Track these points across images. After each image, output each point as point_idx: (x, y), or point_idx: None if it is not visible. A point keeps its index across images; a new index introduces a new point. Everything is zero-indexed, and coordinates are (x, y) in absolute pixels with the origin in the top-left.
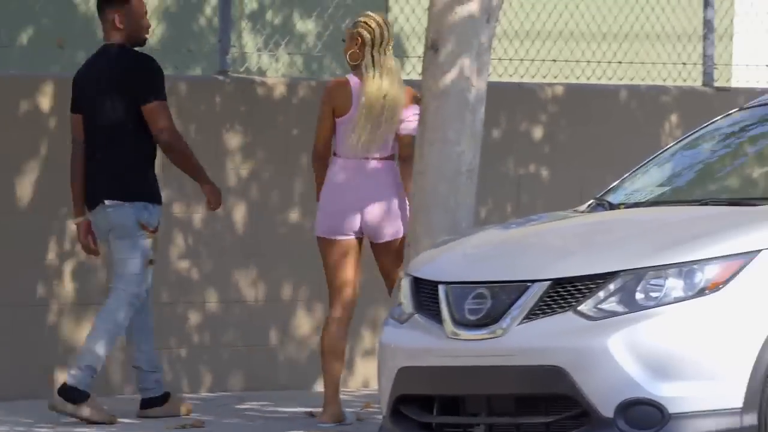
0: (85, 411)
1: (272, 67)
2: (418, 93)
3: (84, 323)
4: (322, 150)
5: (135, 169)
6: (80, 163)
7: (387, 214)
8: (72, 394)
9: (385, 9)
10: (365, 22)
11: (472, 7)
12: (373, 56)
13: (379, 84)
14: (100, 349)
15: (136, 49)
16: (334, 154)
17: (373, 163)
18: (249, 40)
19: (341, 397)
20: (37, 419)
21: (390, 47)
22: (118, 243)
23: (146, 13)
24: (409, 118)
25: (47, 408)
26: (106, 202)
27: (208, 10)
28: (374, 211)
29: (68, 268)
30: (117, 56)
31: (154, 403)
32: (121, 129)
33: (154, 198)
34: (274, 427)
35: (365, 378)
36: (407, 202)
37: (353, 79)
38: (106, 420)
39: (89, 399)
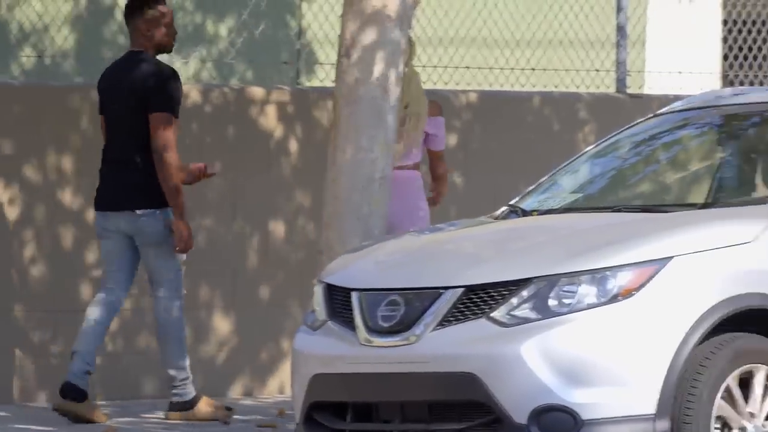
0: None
1: (184, 73)
2: (441, 105)
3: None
4: None
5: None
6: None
7: (408, 221)
8: (181, 406)
9: (299, 15)
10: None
11: (385, 14)
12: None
13: (401, 96)
14: (181, 360)
15: (159, 57)
16: None
17: (397, 172)
18: None
19: (255, 403)
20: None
21: (411, 63)
22: (152, 250)
23: (173, 22)
24: (438, 133)
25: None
26: (138, 211)
27: (119, 16)
28: (395, 218)
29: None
30: (139, 63)
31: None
32: (141, 136)
33: None
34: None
35: (280, 384)
36: (428, 211)
37: None
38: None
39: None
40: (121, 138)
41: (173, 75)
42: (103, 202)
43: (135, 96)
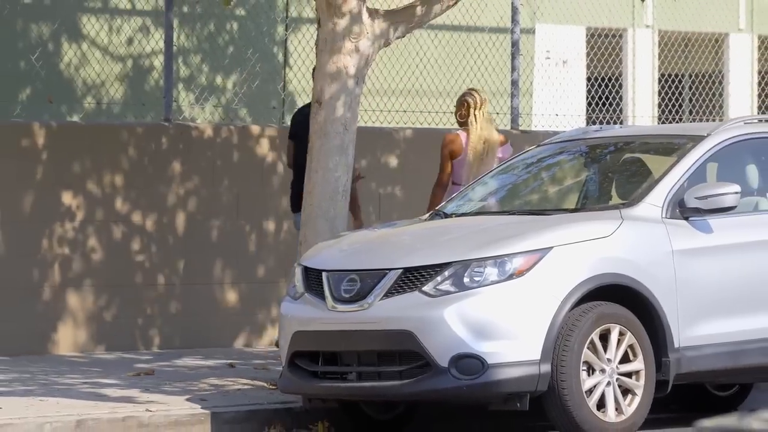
0: None
1: (201, 116)
2: (507, 138)
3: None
4: (445, 180)
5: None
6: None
7: None
8: None
9: (283, 74)
10: (471, 92)
11: (346, 73)
12: (475, 115)
13: (480, 133)
14: None
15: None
16: (453, 183)
17: None
18: (184, 96)
19: (254, 350)
20: None
21: (486, 108)
22: None
23: None
24: (505, 157)
25: None
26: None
27: (155, 74)
28: None
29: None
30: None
31: None
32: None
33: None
34: (203, 373)
35: (272, 339)
36: None
37: (462, 134)
38: None
39: None
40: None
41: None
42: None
43: None
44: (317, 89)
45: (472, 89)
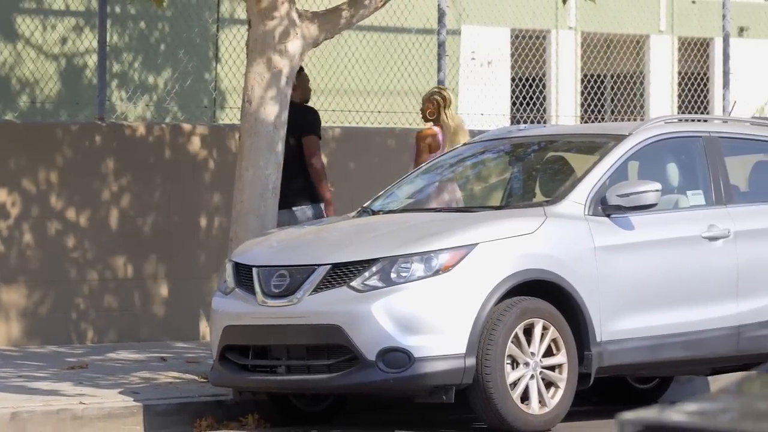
0: None
1: (134, 114)
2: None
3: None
4: None
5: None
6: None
7: None
8: None
9: (215, 74)
10: (440, 91)
11: (276, 73)
12: (446, 113)
13: (454, 129)
14: None
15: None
16: None
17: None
18: (117, 94)
19: (186, 345)
20: None
21: (452, 105)
22: None
23: (309, 81)
24: None
25: None
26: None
27: (89, 73)
28: None
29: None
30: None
31: None
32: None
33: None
34: (136, 367)
35: (203, 332)
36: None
37: (435, 128)
38: None
39: None
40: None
41: (314, 110)
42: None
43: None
44: (248, 89)
45: (440, 88)
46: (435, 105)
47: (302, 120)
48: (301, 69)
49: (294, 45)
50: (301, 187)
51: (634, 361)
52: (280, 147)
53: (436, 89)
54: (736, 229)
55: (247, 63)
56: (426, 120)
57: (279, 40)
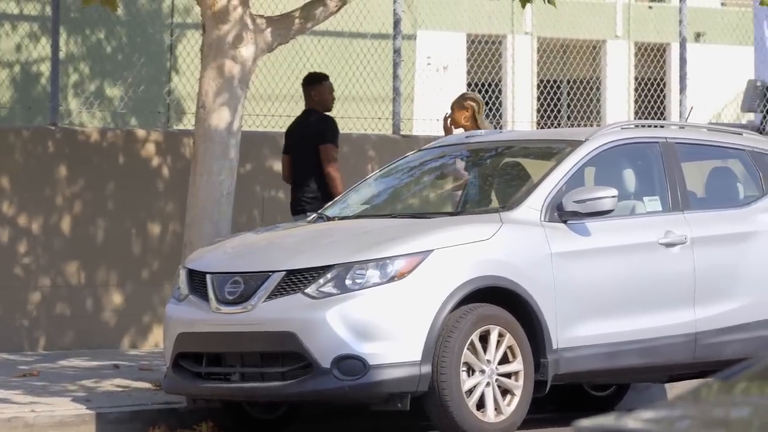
0: None
1: (88, 120)
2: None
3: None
4: None
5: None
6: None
7: None
8: None
9: (169, 79)
10: (473, 97)
11: (230, 77)
12: (480, 119)
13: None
14: None
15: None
16: None
17: None
18: (71, 100)
19: (139, 353)
20: None
21: (482, 115)
22: None
23: (333, 91)
24: None
25: None
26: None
27: (43, 80)
28: None
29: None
30: (309, 116)
31: None
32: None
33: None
34: (88, 374)
35: (156, 340)
36: None
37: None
38: None
39: None
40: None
41: (331, 120)
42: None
43: (307, 137)
44: (202, 94)
45: (472, 95)
46: (471, 111)
47: (320, 128)
48: (323, 78)
49: (247, 50)
50: (314, 193)
51: (591, 368)
52: (234, 153)
53: (468, 95)
54: (693, 235)
55: (201, 68)
56: (457, 127)
57: (232, 45)
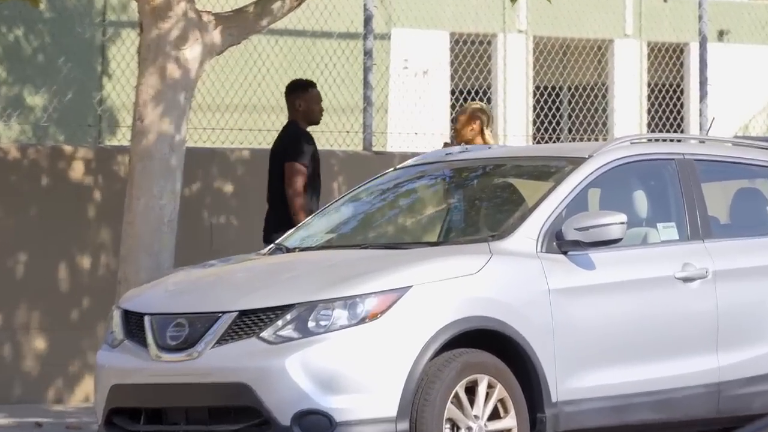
0: None
1: (6, 135)
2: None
3: None
4: None
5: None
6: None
7: None
8: None
9: (101, 87)
10: (482, 109)
11: (172, 85)
12: (487, 134)
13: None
14: None
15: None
16: None
17: None
18: None
19: (65, 408)
20: None
21: (492, 127)
22: None
23: (320, 100)
24: None
25: None
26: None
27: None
28: None
29: None
30: (286, 130)
31: None
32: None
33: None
34: None
35: (86, 393)
36: None
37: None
38: None
39: None
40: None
41: (301, 133)
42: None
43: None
44: (139, 104)
45: (481, 105)
46: (479, 124)
47: (287, 143)
48: (309, 85)
49: (193, 51)
50: (281, 219)
51: (597, 425)
52: (177, 173)
53: (477, 106)
54: (715, 268)
55: (138, 73)
56: (462, 142)
57: (175, 45)
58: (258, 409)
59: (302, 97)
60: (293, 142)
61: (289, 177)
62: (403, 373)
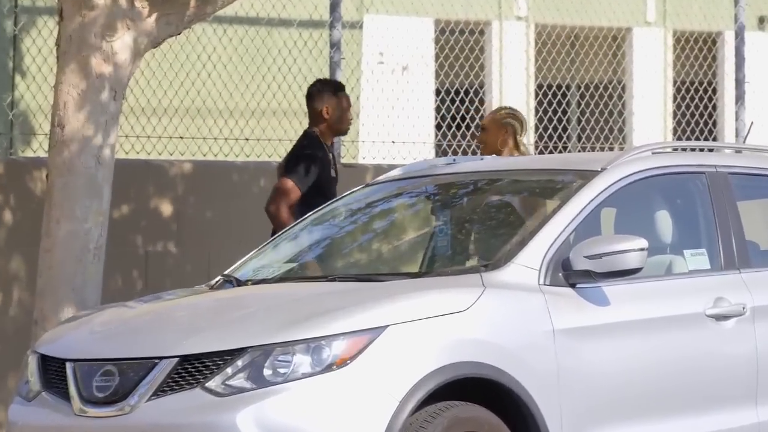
0: None
1: None
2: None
3: None
4: None
5: None
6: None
7: None
8: None
9: (12, 86)
10: (514, 114)
11: (99, 84)
12: (522, 143)
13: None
14: None
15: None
16: None
17: None
18: None
19: None
20: None
21: (522, 139)
22: None
23: (350, 105)
24: None
25: None
26: None
27: None
28: None
29: None
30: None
31: None
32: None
33: None
34: None
35: None
36: None
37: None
38: None
39: None
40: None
41: (306, 146)
42: None
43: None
44: (59, 107)
45: (513, 110)
46: (510, 132)
47: (290, 155)
48: (339, 88)
49: (123, 43)
50: None
51: None
52: (105, 191)
53: (507, 111)
54: (754, 303)
55: (57, 70)
56: (490, 153)
57: (102, 36)
58: None
59: (331, 101)
60: (296, 152)
61: (276, 191)
62: (379, 430)
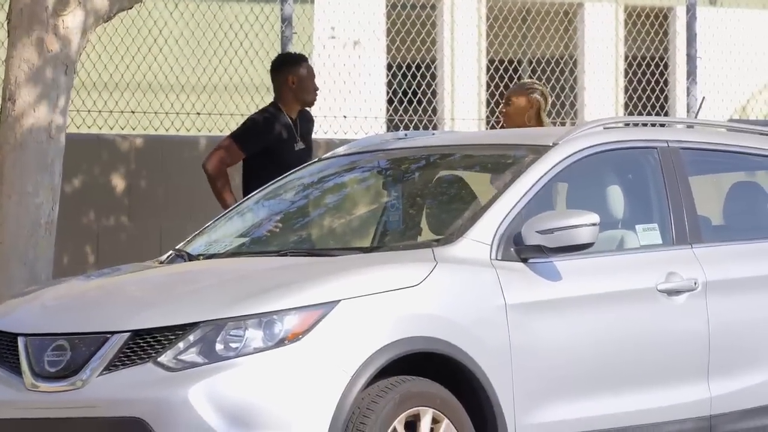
0: None
1: None
2: None
3: None
4: None
5: None
6: None
7: None
8: None
9: None
10: (537, 88)
11: (50, 58)
12: (542, 117)
13: None
14: None
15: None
16: None
17: None
18: None
19: None
20: None
21: (545, 114)
22: None
23: (314, 77)
24: None
25: None
26: None
27: None
28: None
29: None
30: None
31: None
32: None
33: None
34: None
35: None
36: None
37: None
38: None
39: None
40: None
41: (258, 113)
42: None
43: None
44: (9, 83)
45: (537, 85)
46: (536, 108)
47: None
48: (302, 59)
49: (75, 18)
50: None
51: None
52: (57, 165)
53: (532, 85)
54: (706, 278)
55: (8, 45)
56: (512, 125)
57: (54, 11)
58: None
59: (295, 72)
60: (245, 122)
61: (216, 147)
62: (329, 406)
